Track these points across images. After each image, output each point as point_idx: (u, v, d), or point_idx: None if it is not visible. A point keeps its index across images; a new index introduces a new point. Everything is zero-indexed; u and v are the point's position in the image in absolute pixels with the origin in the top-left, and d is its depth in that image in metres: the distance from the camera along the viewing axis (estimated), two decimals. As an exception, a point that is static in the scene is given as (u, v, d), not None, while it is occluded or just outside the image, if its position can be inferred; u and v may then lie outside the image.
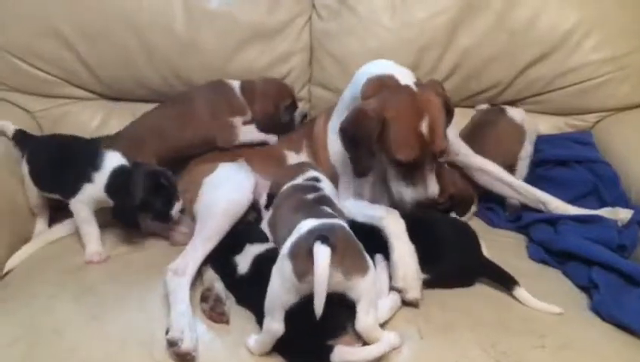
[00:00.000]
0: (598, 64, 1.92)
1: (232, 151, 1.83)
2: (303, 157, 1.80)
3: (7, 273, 1.59)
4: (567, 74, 1.94)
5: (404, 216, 1.50)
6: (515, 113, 1.92)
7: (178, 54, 1.92)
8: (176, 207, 1.57)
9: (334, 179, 1.67)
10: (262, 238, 1.50)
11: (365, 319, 1.20)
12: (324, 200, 1.46)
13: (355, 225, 1.46)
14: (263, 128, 1.85)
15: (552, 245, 1.58)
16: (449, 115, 1.54)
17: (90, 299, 1.42)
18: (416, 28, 1.92)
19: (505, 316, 1.37)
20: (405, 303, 1.38)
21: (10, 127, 1.74)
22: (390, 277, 1.41)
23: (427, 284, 1.41)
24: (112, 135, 1.85)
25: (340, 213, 1.45)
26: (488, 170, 1.77)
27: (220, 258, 1.49)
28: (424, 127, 1.46)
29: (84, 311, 1.38)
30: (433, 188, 1.51)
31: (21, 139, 1.74)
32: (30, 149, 1.71)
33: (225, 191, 1.57)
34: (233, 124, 1.83)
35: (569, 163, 1.84)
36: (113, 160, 1.56)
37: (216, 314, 1.38)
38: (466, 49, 1.93)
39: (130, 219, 1.58)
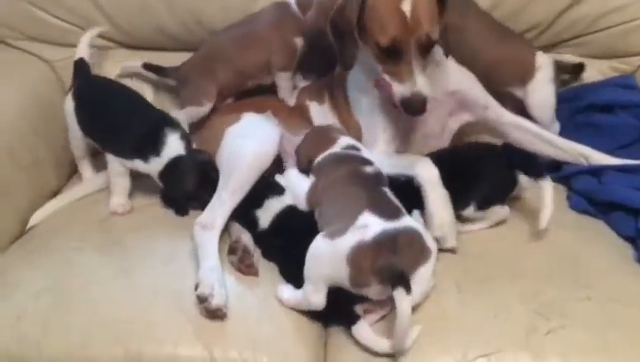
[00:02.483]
0: (643, 2, 1.80)
1: (256, 101, 1.76)
2: (325, 108, 1.72)
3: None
4: (611, 13, 1.81)
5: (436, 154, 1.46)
6: None
7: (198, 0, 1.83)
8: None
9: (358, 130, 1.61)
10: (280, 191, 1.46)
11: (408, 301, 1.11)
12: (381, 179, 1.38)
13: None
14: (309, 45, 1.75)
15: (595, 196, 1.51)
16: (442, 3, 1.44)
17: (116, 251, 1.40)
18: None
19: (547, 266, 1.32)
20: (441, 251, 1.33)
21: (80, 53, 1.71)
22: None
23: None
24: (177, 66, 1.80)
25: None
26: (522, 125, 1.66)
27: (241, 212, 1.45)
28: (406, 6, 1.36)
29: (110, 264, 1.36)
30: (422, 83, 1.40)
31: (79, 68, 1.70)
32: (80, 86, 1.65)
33: (251, 142, 1.51)
34: (295, 45, 1.74)
35: (613, 109, 1.73)
36: (173, 148, 1.50)
37: (244, 266, 1.35)
38: (505, -13, 1.81)
39: (179, 208, 1.54)
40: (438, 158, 1.45)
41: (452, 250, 1.36)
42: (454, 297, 1.25)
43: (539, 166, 1.45)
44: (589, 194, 1.53)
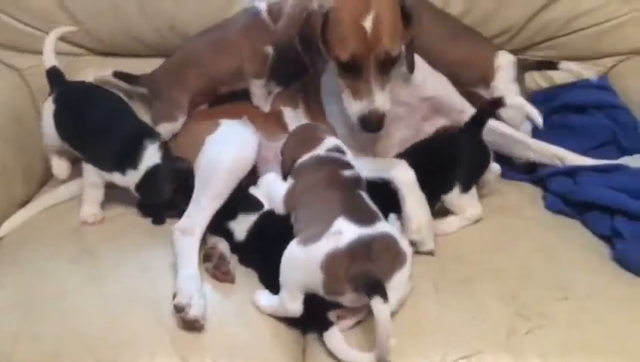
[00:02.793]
0: (615, 4, 1.82)
1: (232, 108, 1.74)
2: (300, 112, 1.71)
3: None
4: (582, 16, 1.84)
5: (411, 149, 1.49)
6: None
7: (171, 5, 1.81)
8: None
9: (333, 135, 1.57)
10: (255, 206, 1.43)
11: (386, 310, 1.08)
12: (360, 183, 1.36)
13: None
14: (279, 55, 1.70)
15: (571, 196, 1.51)
16: (408, 19, 1.43)
17: (88, 260, 1.37)
18: (420, -29, 1.81)
19: (524, 267, 1.32)
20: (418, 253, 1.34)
21: (50, 62, 1.64)
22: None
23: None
24: (149, 73, 1.78)
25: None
26: (497, 128, 1.66)
27: (215, 224, 1.42)
28: (368, 22, 1.35)
29: (82, 274, 1.32)
30: (381, 101, 1.39)
31: (54, 76, 1.64)
32: (61, 91, 1.60)
33: (230, 148, 1.49)
34: (266, 53, 1.70)
35: (587, 110, 1.75)
36: (150, 159, 1.48)
37: (220, 273, 1.32)
38: (476, -9, 1.83)
39: (156, 217, 1.52)
40: (415, 152, 1.48)
41: (430, 253, 1.36)
42: (432, 299, 1.24)
43: (496, 99, 1.52)
44: (564, 195, 1.53)
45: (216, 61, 1.72)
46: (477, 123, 1.51)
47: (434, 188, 1.43)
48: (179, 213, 1.43)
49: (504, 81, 1.75)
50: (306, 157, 1.43)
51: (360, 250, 1.13)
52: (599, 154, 1.62)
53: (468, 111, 1.65)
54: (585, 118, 1.75)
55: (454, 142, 1.51)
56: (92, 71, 1.81)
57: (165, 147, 1.53)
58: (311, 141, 1.46)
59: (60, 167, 1.66)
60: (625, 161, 1.57)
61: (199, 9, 1.82)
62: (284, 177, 1.47)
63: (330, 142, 1.46)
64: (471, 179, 1.46)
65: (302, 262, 1.15)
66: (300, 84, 1.75)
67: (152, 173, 1.48)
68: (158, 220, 1.51)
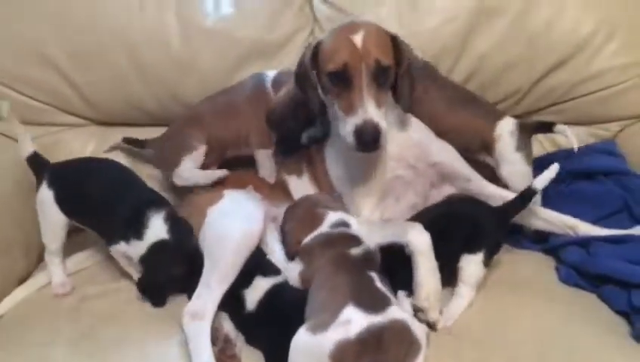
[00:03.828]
0: (620, 69, 1.82)
1: (235, 177, 1.71)
2: (305, 180, 1.70)
3: (-3, 319, 1.48)
4: (588, 80, 1.84)
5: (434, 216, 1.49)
6: None
7: (174, 74, 1.82)
8: None
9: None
10: (273, 270, 1.39)
11: None
12: (370, 259, 1.32)
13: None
14: (270, 125, 1.68)
15: (586, 268, 1.46)
16: (398, 52, 1.46)
17: (87, 344, 1.33)
18: (426, 36, 1.83)
19: (541, 347, 1.26)
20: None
21: (29, 148, 1.59)
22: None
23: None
24: (157, 137, 1.78)
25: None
26: (505, 198, 1.59)
27: (227, 293, 1.37)
28: (357, 37, 1.41)
29: (81, 360, 1.28)
30: (373, 113, 1.38)
31: (37, 162, 1.59)
32: (52, 174, 1.55)
33: (236, 222, 1.44)
34: None
35: (596, 176, 1.72)
36: (156, 231, 1.45)
37: (226, 356, 1.27)
38: (482, 56, 1.83)
39: (156, 298, 1.45)
40: (443, 207, 1.53)
41: (433, 325, 1.31)
42: (448, 386, 1.19)
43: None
44: (578, 267, 1.48)
45: (224, 124, 1.70)
46: (518, 205, 1.49)
47: (459, 246, 1.41)
48: (187, 292, 1.39)
49: (505, 152, 1.69)
50: (310, 237, 1.39)
51: (370, 340, 1.08)
52: (611, 223, 1.58)
53: (474, 180, 1.63)
54: (594, 185, 1.71)
55: (491, 212, 1.49)
56: (94, 142, 1.80)
57: (173, 219, 1.48)
58: (313, 220, 1.43)
59: (61, 277, 1.55)
60: (639, 231, 1.52)
61: (201, 77, 1.83)
62: (290, 258, 1.43)
63: (332, 217, 1.43)
64: (491, 255, 1.43)
65: (311, 351, 1.11)
66: (304, 152, 1.72)
67: (158, 248, 1.44)
68: (159, 301, 1.45)
